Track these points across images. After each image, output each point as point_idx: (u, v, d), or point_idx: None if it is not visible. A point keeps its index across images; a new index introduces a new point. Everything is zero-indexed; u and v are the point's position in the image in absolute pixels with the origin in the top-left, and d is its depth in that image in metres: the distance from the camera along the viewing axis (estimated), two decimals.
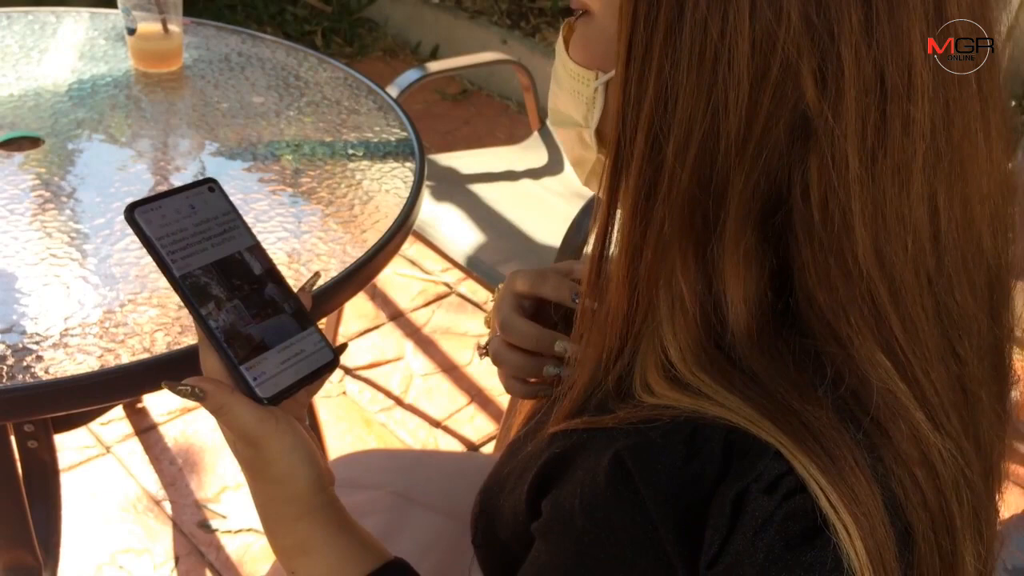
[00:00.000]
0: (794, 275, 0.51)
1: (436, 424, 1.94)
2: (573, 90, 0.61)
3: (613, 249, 0.55)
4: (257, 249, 0.69)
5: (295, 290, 0.70)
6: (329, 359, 0.68)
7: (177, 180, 1.14)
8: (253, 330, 0.65)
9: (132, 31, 1.33)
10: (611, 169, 0.54)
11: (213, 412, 0.63)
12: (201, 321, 0.63)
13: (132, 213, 0.63)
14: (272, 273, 0.68)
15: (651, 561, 0.49)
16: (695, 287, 0.52)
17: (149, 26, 1.32)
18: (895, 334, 0.50)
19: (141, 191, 1.10)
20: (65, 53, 1.40)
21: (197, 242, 0.65)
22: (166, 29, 1.33)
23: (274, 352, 0.65)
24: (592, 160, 0.64)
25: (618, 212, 0.54)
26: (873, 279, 0.49)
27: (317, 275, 0.77)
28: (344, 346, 0.71)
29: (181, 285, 0.63)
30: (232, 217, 0.68)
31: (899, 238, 0.49)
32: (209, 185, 0.68)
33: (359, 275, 0.97)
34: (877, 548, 0.46)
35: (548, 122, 0.69)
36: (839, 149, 0.48)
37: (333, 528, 0.65)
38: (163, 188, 1.12)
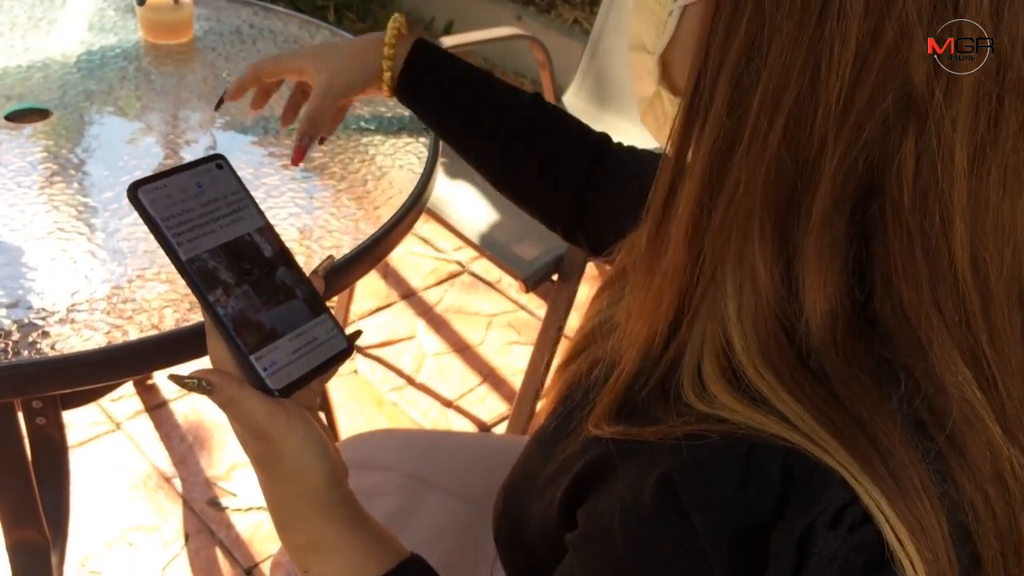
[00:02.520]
0: (876, 269, 0.46)
1: (448, 404, 1.92)
2: (648, 10, 0.55)
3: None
4: (268, 230, 0.65)
5: (307, 273, 0.67)
6: (343, 347, 0.65)
7: (187, 154, 1.12)
8: (264, 317, 0.61)
9: (142, 2, 1.30)
10: (685, 111, 0.48)
11: (221, 406, 0.60)
12: (209, 308, 0.60)
13: (136, 192, 0.60)
14: (284, 256, 0.65)
15: None
16: (771, 266, 0.47)
17: None
18: (981, 343, 0.46)
19: (150, 165, 1.07)
20: (74, 24, 1.38)
21: (204, 223, 0.62)
22: (176, 0, 1.31)
23: (286, 340, 0.62)
24: (650, 90, 0.58)
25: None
26: (967, 282, 0.45)
27: (331, 258, 0.74)
28: (358, 333, 0.68)
29: (188, 269, 0.60)
30: (241, 196, 0.65)
31: (997, 247, 0.45)
32: (217, 162, 0.65)
33: (373, 252, 0.94)
34: None
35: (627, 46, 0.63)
36: (946, 137, 0.43)
37: (347, 525, 0.62)
38: (172, 162, 1.10)
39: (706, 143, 0.47)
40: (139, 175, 1.04)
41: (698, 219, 0.48)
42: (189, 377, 0.60)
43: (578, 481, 0.54)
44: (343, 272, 0.92)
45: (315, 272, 0.70)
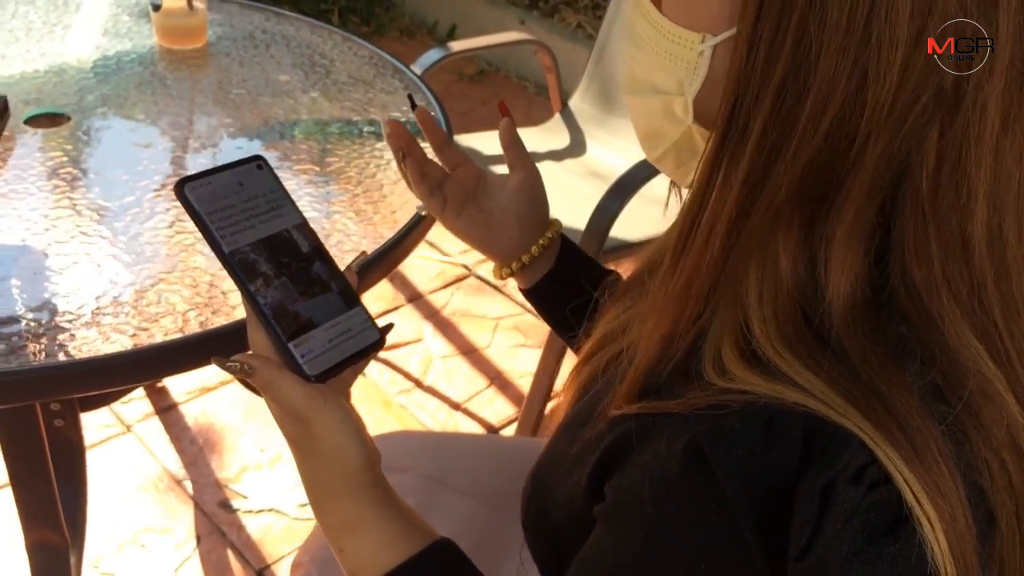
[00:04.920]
0: (893, 250, 0.49)
1: (456, 407, 1.93)
2: (668, 54, 0.55)
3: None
4: (304, 227, 0.68)
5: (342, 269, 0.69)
6: (375, 339, 0.68)
7: (204, 159, 1.13)
8: (300, 307, 0.65)
9: (157, 7, 1.31)
10: (721, 135, 0.50)
11: (261, 388, 0.63)
12: (250, 297, 0.63)
13: (182, 188, 0.63)
14: (319, 251, 0.68)
15: (726, 548, 0.48)
16: (795, 254, 0.50)
17: (174, 2, 1.31)
18: (993, 317, 0.48)
19: (169, 169, 1.09)
20: (89, 29, 1.39)
21: (245, 219, 0.65)
22: (191, 5, 1.32)
23: (321, 330, 0.65)
24: (677, 132, 0.58)
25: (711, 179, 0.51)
26: (982, 257, 0.48)
27: (364, 254, 0.77)
28: (390, 326, 0.70)
29: (230, 261, 0.63)
30: (280, 195, 0.68)
31: (1014, 219, 0.48)
32: (257, 162, 0.68)
33: (393, 254, 0.96)
34: (958, 540, 0.45)
35: (622, 91, 0.62)
36: (976, 120, 0.46)
37: (381, 506, 0.64)
38: (191, 167, 1.11)
39: (749, 157, 0.49)
40: (158, 180, 1.05)
41: (734, 222, 0.50)
42: (232, 360, 0.63)
43: (605, 457, 0.56)
44: (364, 276, 0.93)
45: (349, 267, 0.72)
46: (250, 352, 0.65)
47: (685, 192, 0.70)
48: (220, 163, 0.67)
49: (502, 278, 0.91)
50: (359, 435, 0.64)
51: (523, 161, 0.88)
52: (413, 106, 0.91)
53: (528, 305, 2.34)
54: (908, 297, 0.49)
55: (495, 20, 3.36)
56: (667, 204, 0.73)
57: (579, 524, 0.58)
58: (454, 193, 0.87)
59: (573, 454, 0.61)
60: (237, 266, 0.63)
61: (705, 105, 0.54)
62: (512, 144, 0.88)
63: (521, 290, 0.93)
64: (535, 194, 0.89)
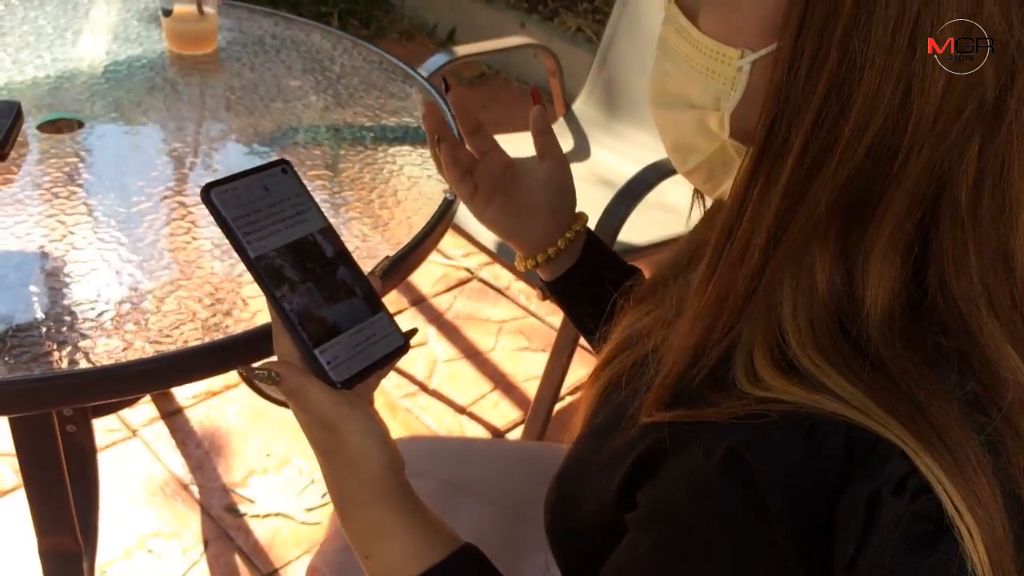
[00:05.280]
0: (932, 262, 0.50)
1: (461, 410, 1.94)
2: (705, 69, 0.54)
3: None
4: (329, 232, 0.68)
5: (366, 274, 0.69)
6: (400, 344, 0.68)
7: (220, 163, 1.13)
8: (326, 313, 0.65)
9: (168, 12, 1.31)
10: (760, 150, 0.50)
11: (288, 395, 0.63)
12: (276, 303, 0.63)
13: (208, 193, 0.63)
14: (344, 256, 0.68)
15: (763, 558, 0.49)
16: (831, 266, 0.50)
17: (184, 7, 1.31)
18: None
19: (183, 175, 1.09)
20: (99, 34, 1.39)
21: (271, 223, 0.65)
22: (201, 10, 1.32)
23: (347, 336, 0.65)
24: (711, 147, 0.58)
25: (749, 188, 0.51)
26: (1023, 270, 0.48)
27: (387, 259, 0.77)
28: (414, 331, 0.71)
29: (256, 266, 0.63)
30: (304, 199, 0.68)
31: None
32: (282, 167, 0.68)
33: (409, 259, 0.96)
34: (996, 550, 0.45)
35: (649, 103, 0.62)
36: (1018, 134, 0.47)
37: (407, 512, 0.65)
38: (204, 173, 1.11)
39: (789, 171, 0.49)
40: (172, 185, 1.05)
41: (773, 233, 0.50)
42: (259, 369, 0.63)
43: (637, 465, 0.56)
44: (385, 279, 0.93)
45: (372, 272, 0.72)
46: (275, 359, 0.65)
47: (708, 201, 0.70)
48: (232, 170, 0.67)
49: (527, 269, 0.91)
50: (385, 441, 0.64)
51: (553, 150, 0.88)
52: (447, 88, 0.91)
53: (532, 308, 2.35)
54: (947, 308, 0.49)
55: (495, 23, 3.36)
56: (690, 213, 0.73)
57: (609, 530, 0.59)
58: (484, 180, 0.87)
59: (601, 460, 0.61)
60: (263, 272, 0.63)
61: (742, 120, 0.54)
62: (543, 132, 0.88)
63: (543, 281, 0.93)
64: (564, 185, 0.88)
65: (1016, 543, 0.47)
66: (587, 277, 0.90)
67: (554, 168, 0.88)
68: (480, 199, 0.87)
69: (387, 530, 0.64)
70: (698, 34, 0.54)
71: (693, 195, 0.71)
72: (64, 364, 0.78)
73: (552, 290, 0.92)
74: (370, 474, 0.63)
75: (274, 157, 1.13)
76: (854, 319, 0.50)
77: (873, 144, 0.47)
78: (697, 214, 0.72)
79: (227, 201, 0.63)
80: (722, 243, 0.53)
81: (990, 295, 0.49)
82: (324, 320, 0.64)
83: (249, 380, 0.64)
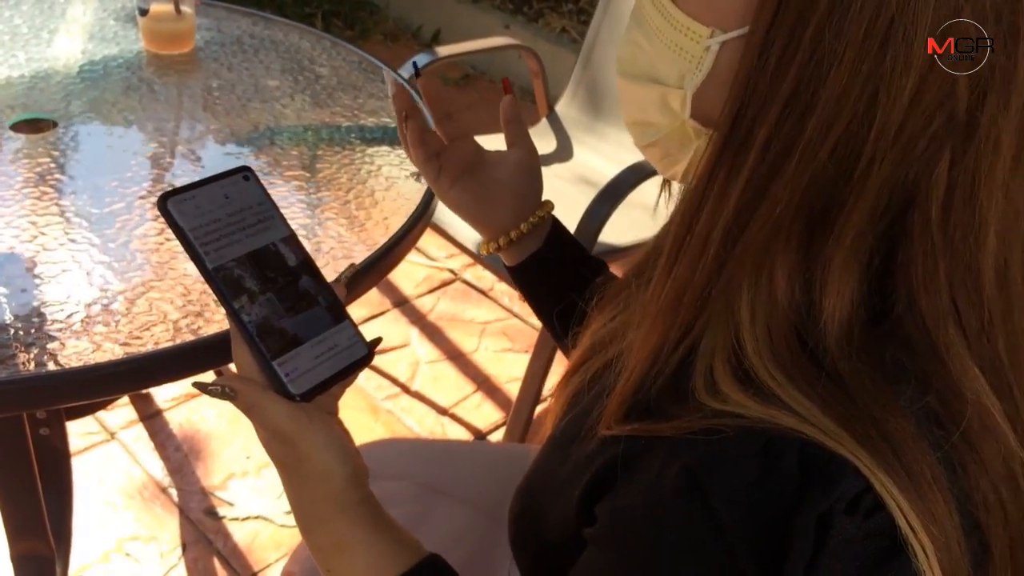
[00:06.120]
0: (899, 277, 0.48)
1: (443, 412, 1.93)
2: (673, 44, 0.53)
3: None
4: (292, 240, 0.67)
5: (329, 281, 0.68)
6: (363, 354, 0.67)
7: (193, 165, 1.12)
8: (287, 324, 0.63)
9: (144, 11, 1.30)
10: (722, 140, 0.49)
11: (244, 411, 0.62)
12: (234, 315, 0.62)
13: (165, 204, 0.61)
14: (307, 265, 0.67)
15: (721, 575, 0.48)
16: (791, 274, 0.49)
17: (161, 6, 1.30)
18: (998, 350, 0.48)
19: (158, 175, 1.08)
20: (75, 34, 1.38)
21: (231, 232, 0.64)
22: (178, 10, 1.31)
23: (307, 347, 0.64)
24: (670, 125, 0.56)
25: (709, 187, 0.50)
26: (992, 290, 0.47)
27: (353, 266, 0.76)
28: (378, 340, 0.70)
29: (213, 278, 0.62)
30: (267, 207, 0.67)
31: (1020, 257, 0.48)
32: (244, 174, 0.67)
33: (385, 261, 0.95)
34: (952, 569, 0.45)
35: (616, 71, 0.60)
36: (988, 152, 0.45)
37: (368, 525, 0.64)
38: (179, 173, 1.10)
39: (750, 166, 0.48)
40: (147, 186, 1.04)
41: (729, 233, 0.49)
42: (213, 384, 0.62)
43: (596, 479, 0.55)
44: (356, 283, 0.92)
45: (337, 280, 0.71)
46: (231, 373, 0.64)
47: (675, 188, 0.69)
48: (208, 171, 0.66)
49: (489, 252, 0.91)
50: (345, 454, 0.63)
51: (523, 138, 0.88)
52: (417, 74, 0.90)
53: (515, 309, 2.34)
54: (913, 324, 0.48)
55: (480, 24, 3.35)
56: (657, 204, 0.72)
57: (573, 545, 0.58)
58: (450, 162, 0.87)
59: (563, 473, 0.60)
60: (221, 283, 0.62)
61: (704, 102, 0.53)
62: (512, 120, 0.88)
63: (506, 267, 0.92)
64: (532, 171, 0.89)
65: (972, 561, 0.46)
66: (551, 265, 0.89)
67: (523, 155, 0.88)
68: (444, 180, 0.87)
69: (348, 544, 0.63)
70: (672, 7, 0.53)
71: (661, 185, 0.70)
72: (31, 366, 0.77)
73: (515, 276, 0.92)
74: (330, 488, 0.62)
75: (251, 158, 1.12)
76: (812, 329, 0.49)
77: (836, 146, 0.46)
78: (663, 203, 0.71)
79: (185, 211, 0.62)
80: (681, 236, 0.52)
81: (959, 314, 0.48)
82: (284, 331, 0.63)
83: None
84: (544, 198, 0.90)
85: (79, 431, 1.75)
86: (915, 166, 0.46)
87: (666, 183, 0.69)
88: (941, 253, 0.47)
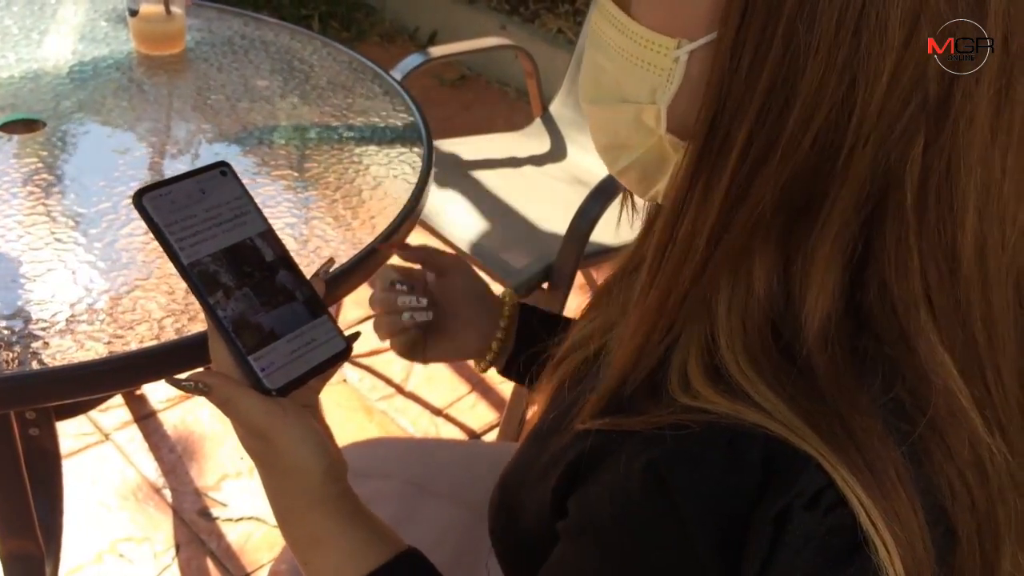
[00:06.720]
0: (871, 264, 0.48)
1: (437, 412, 1.93)
2: (639, 60, 0.52)
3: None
4: (269, 235, 0.67)
5: (309, 276, 0.68)
6: (341, 348, 0.67)
7: (182, 164, 1.12)
8: (263, 319, 0.63)
9: (134, 12, 1.30)
10: (700, 146, 0.48)
11: (219, 406, 0.62)
12: (209, 310, 0.62)
13: (140, 199, 0.62)
14: (284, 259, 0.67)
15: (685, 571, 0.48)
16: (770, 267, 0.49)
17: (151, 7, 1.30)
18: (973, 331, 0.48)
19: (146, 175, 1.08)
20: (65, 35, 1.38)
21: (207, 228, 0.64)
22: (168, 10, 1.31)
23: (284, 342, 0.64)
24: (645, 144, 0.55)
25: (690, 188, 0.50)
26: (971, 268, 0.47)
27: (331, 261, 0.76)
28: (357, 335, 0.70)
29: (189, 273, 0.62)
30: (244, 202, 0.67)
31: (999, 230, 0.47)
32: (221, 169, 0.67)
33: (371, 261, 0.95)
34: (916, 566, 0.44)
35: (582, 100, 0.58)
36: (964, 131, 0.45)
37: (346, 520, 0.64)
38: (168, 173, 1.10)
39: (731, 169, 0.47)
40: (135, 186, 1.04)
41: (714, 233, 0.49)
42: (187, 379, 0.62)
43: (569, 472, 0.55)
44: (341, 281, 0.93)
45: (316, 275, 0.71)
46: (206, 368, 0.64)
47: (639, 203, 0.70)
48: (196, 170, 0.66)
49: (484, 371, 0.93)
50: (321, 448, 0.63)
51: (456, 264, 0.90)
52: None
53: None
54: (883, 311, 0.48)
55: (476, 25, 3.36)
56: (619, 220, 0.72)
57: (547, 536, 0.58)
58: (413, 334, 0.89)
59: (541, 465, 0.60)
60: (196, 278, 0.61)
61: (679, 113, 0.52)
62: (425, 258, 0.90)
63: (500, 373, 0.94)
64: (478, 293, 0.90)
65: (938, 555, 0.46)
66: (528, 352, 0.90)
67: (459, 279, 0.90)
68: (417, 352, 0.91)
69: (324, 537, 0.63)
70: (631, 23, 0.52)
71: (621, 202, 0.70)
72: (14, 365, 0.77)
73: (508, 377, 0.94)
74: (307, 482, 0.62)
75: (240, 157, 1.13)
76: (789, 322, 0.49)
77: (818, 138, 0.46)
78: (625, 222, 0.72)
79: (160, 206, 0.62)
80: (663, 245, 0.51)
81: (931, 298, 0.47)
82: (260, 326, 0.63)
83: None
84: (504, 289, 0.92)
85: (73, 432, 1.75)
86: (894, 151, 0.46)
87: (626, 197, 0.69)
88: (916, 237, 0.47)
